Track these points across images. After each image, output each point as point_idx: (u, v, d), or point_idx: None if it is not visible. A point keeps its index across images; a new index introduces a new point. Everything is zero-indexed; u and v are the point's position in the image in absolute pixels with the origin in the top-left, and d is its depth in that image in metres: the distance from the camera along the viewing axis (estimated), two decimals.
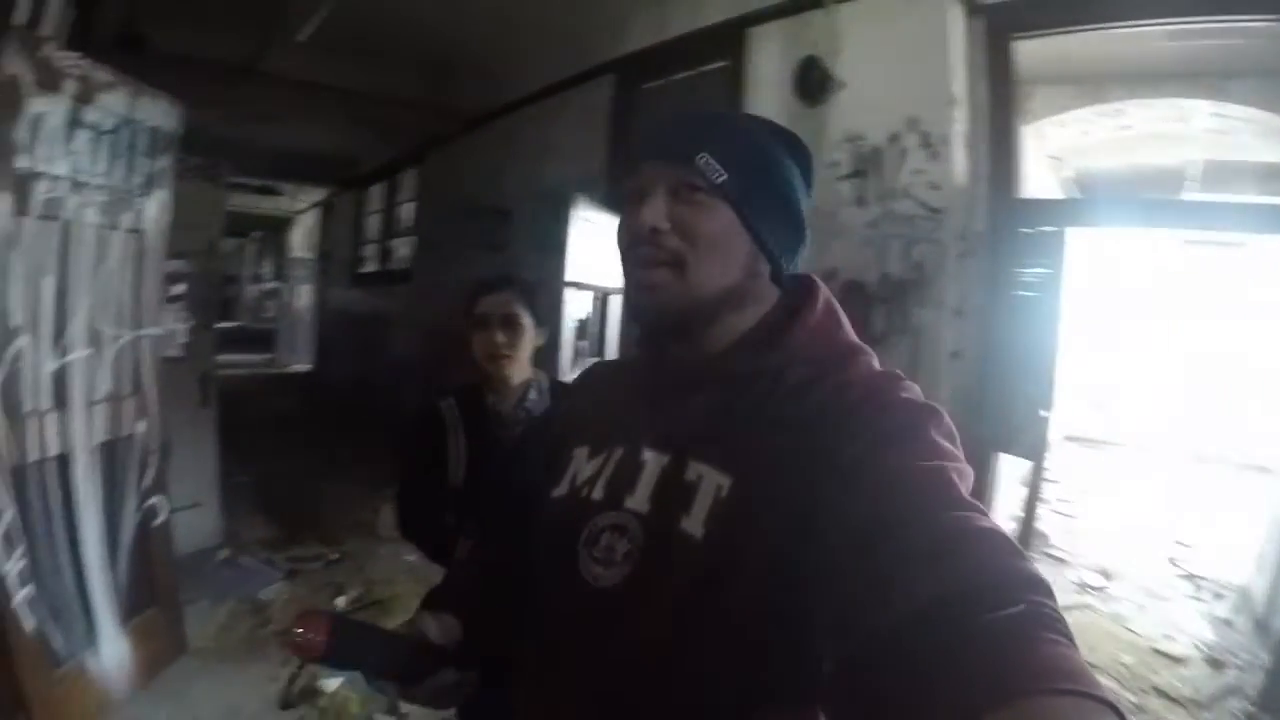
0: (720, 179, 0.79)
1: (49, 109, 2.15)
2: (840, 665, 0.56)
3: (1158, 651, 3.11)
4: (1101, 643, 3.18)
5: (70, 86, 2.21)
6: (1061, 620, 0.50)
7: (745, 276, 0.82)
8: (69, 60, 2.19)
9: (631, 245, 0.82)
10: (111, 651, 2.50)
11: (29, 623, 2.16)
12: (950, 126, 2.90)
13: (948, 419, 0.71)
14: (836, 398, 0.74)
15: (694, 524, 0.74)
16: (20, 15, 2.06)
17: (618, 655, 0.76)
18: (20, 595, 2.12)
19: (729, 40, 3.76)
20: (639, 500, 0.80)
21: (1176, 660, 3.05)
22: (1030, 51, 3.02)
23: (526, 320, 1.83)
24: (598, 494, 0.84)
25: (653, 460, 0.81)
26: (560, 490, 0.90)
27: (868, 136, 3.13)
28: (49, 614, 2.26)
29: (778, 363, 0.80)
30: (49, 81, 2.13)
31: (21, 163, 2.10)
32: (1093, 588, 3.78)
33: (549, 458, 0.96)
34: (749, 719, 0.72)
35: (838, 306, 0.87)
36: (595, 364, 1.14)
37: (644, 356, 0.94)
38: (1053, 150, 4.58)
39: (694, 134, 0.83)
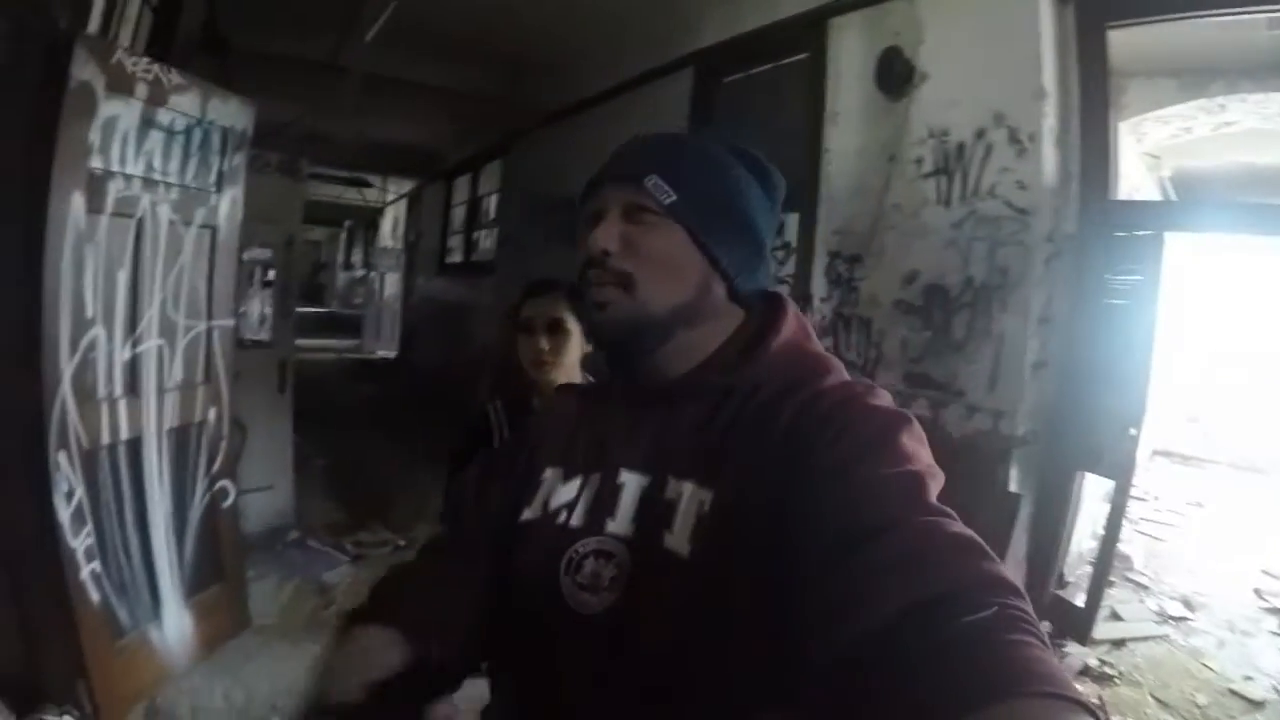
0: (669, 200, 0.81)
1: (121, 112, 2.27)
2: (819, 672, 0.56)
3: (1234, 693, 2.86)
4: (1176, 679, 2.95)
5: (142, 90, 2.32)
6: (1032, 620, 0.50)
7: (698, 294, 0.84)
8: (140, 65, 2.30)
9: (585, 266, 0.84)
10: (174, 625, 2.65)
11: (94, 595, 2.30)
12: (1039, 121, 2.76)
13: (918, 425, 0.73)
14: (809, 408, 0.75)
15: (678, 542, 0.75)
16: (92, 24, 2.18)
17: (615, 681, 0.76)
18: (86, 570, 2.27)
19: (809, 32, 3.69)
20: (621, 524, 0.80)
21: (1254, 704, 2.80)
22: (1125, 41, 2.81)
23: (573, 325, 1.81)
24: (577, 520, 0.84)
25: (632, 482, 0.82)
26: (531, 514, 0.89)
27: (952, 132, 3.02)
28: (115, 588, 2.41)
29: (751, 378, 0.81)
30: (120, 86, 2.24)
31: (95, 163, 2.23)
32: (1173, 618, 3.51)
33: (518, 478, 0.95)
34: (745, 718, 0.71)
35: (807, 322, 0.89)
36: (562, 385, 1.15)
37: (614, 379, 0.94)
38: (1149, 148, 4.27)
39: (645, 157, 0.85)
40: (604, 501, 0.83)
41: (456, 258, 9.39)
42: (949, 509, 0.63)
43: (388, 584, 0.92)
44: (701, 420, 0.81)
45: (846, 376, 0.82)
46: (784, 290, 3.87)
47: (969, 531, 0.60)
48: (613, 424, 0.88)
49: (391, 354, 12.09)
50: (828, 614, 0.57)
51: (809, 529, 0.64)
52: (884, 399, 0.76)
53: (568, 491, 0.87)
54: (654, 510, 0.78)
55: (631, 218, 0.83)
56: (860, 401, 0.75)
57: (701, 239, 0.83)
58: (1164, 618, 3.52)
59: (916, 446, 0.70)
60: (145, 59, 2.33)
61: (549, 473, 0.91)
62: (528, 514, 0.89)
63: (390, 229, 13.64)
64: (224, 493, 2.97)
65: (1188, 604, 3.68)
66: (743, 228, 0.86)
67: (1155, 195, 4.72)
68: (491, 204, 8.30)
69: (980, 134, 2.92)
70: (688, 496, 0.77)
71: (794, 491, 0.68)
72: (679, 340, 0.84)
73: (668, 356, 0.85)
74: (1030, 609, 0.52)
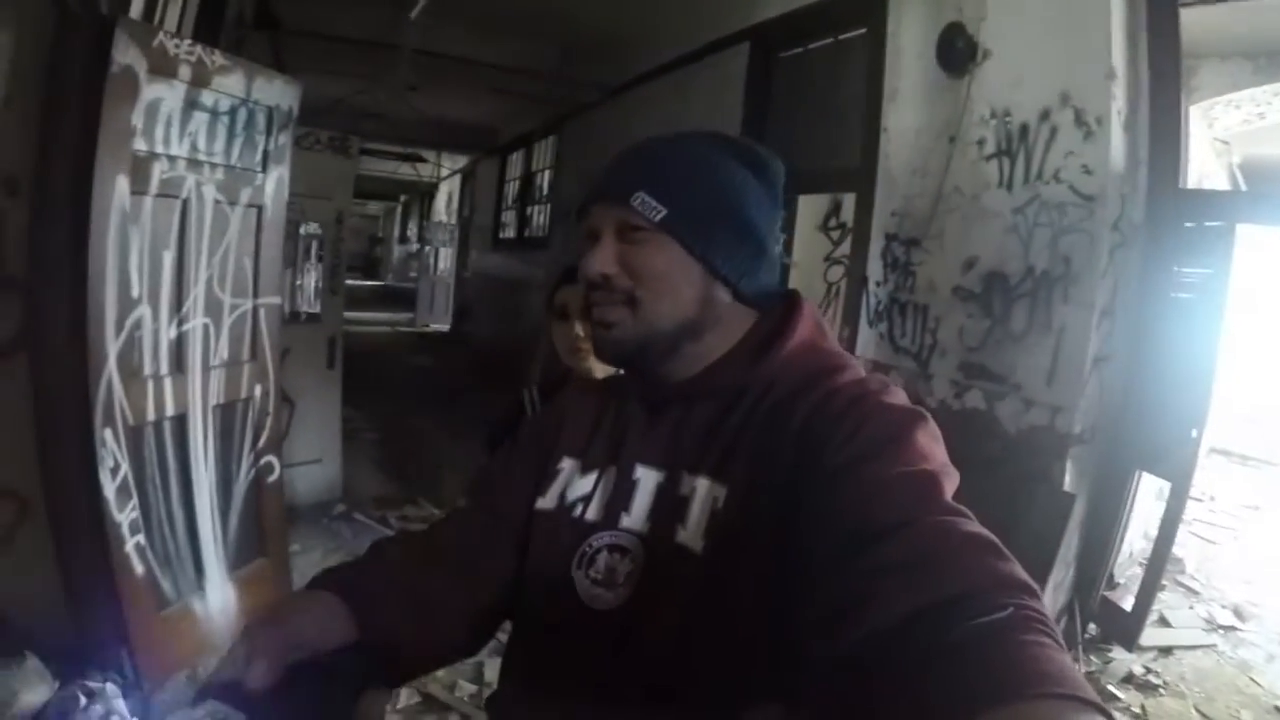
0: (658, 216, 0.80)
1: (164, 94, 2.29)
2: (826, 668, 0.56)
3: None
4: (1220, 692, 2.82)
5: (185, 72, 2.33)
6: (1047, 621, 0.50)
7: (700, 308, 0.83)
8: (183, 47, 2.31)
9: (588, 288, 0.85)
10: (217, 597, 2.72)
11: (139, 567, 2.37)
12: (1108, 103, 2.62)
13: (933, 423, 0.73)
14: (823, 406, 0.75)
15: (692, 537, 0.77)
16: (135, 8, 2.20)
17: (623, 676, 0.77)
18: (131, 542, 2.33)
19: (869, 6, 3.58)
20: (636, 519, 0.82)
21: None
22: (1198, 21, 2.65)
23: None
24: (593, 514, 0.85)
25: (646, 477, 0.83)
26: (546, 503, 0.90)
27: (1015, 112, 2.90)
28: (159, 560, 2.48)
29: (765, 377, 0.82)
30: (163, 68, 2.25)
31: (139, 145, 2.25)
32: (1223, 627, 3.36)
33: (535, 462, 0.95)
34: (744, 714, 0.72)
35: (823, 319, 0.89)
36: (579, 379, 1.15)
37: (630, 377, 0.94)
38: (1219, 133, 4.03)
39: (631, 173, 0.84)
40: (619, 496, 0.84)
41: (510, 233, 9.46)
42: (964, 508, 0.62)
43: (371, 554, 0.89)
44: (716, 418, 0.82)
45: (862, 374, 0.82)
46: (839, 271, 3.80)
47: (984, 531, 0.59)
48: (630, 420, 0.89)
49: (445, 328, 12.29)
50: (837, 613, 0.56)
51: (821, 527, 0.65)
52: (898, 397, 0.76)
53: (584, 484, 0.88)
54: (668, 505, 0.80)
55: (625, 236, 0.82)
56: (874, 399, 0.74)
57: (697, 251, 0.82)
58: (1213, 626, 3.39)
59: (931, 445, 0.70)
60: (188, 41, 2.34)
61: (567, 463, 0.92)
62: (543, 503, 0.90)
63: (444, 204, 13.84)
64: (269, 468, 3.02)
65: (1239, 613, 3.53)
66: (740, 230, 0.84)
67: (1224, 183, 4.51)
68: (545, 180, 8.31)
69: (1045, 115, 2.80)
70: (702, 492, 0.78)
71: (806, 489, 0.69)
72: (685, 352, 0.85)
73: (676, 366, 0.86)
74: (1044, 608, 0.51)
